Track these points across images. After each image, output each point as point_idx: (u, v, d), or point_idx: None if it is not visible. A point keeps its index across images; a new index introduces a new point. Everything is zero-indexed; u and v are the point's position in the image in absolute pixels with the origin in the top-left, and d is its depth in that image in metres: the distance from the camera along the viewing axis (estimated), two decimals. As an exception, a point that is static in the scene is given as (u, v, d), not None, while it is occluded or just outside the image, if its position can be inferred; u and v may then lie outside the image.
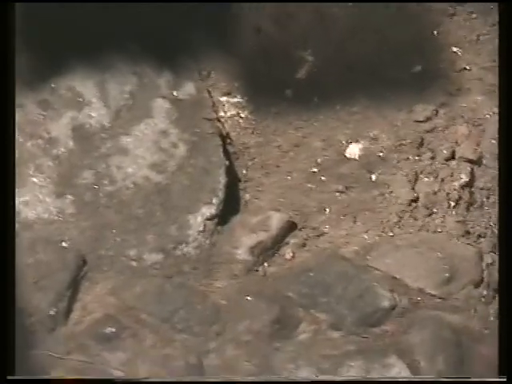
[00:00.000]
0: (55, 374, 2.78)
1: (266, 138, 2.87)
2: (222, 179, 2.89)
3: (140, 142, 2.94)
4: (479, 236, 2.94)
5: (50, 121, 3.02)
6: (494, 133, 3.20)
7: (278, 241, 2.89)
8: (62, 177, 3.01)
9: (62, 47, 3.07)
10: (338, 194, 2.86)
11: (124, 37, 3.01)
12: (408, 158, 2.90)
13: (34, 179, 2.94)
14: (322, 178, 2.90)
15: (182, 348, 2.77)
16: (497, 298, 2.99)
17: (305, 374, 2.89)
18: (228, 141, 2.91)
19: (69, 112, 2.97)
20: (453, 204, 2.91)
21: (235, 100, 2.85)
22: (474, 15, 3.30)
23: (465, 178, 2.97)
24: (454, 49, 3.07)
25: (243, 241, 2.92)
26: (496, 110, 3.27)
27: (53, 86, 3.07)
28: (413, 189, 2.90)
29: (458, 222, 2.91)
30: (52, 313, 2.80)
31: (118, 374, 2.85)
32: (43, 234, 2.87)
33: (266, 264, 2.87)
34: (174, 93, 2.95)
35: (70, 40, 3.05)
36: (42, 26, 3.21)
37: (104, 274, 2.89)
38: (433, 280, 2.84)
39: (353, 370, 2.78)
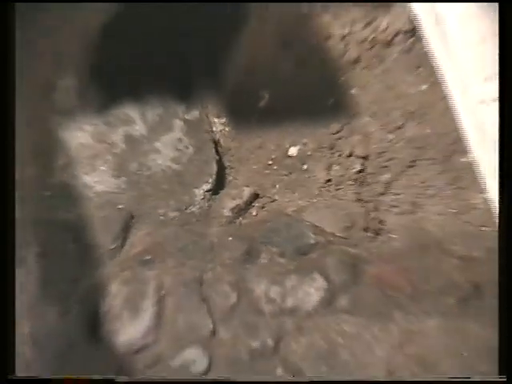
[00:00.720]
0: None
1: (240, 144, 3.50)
2: (215, 167, 3.53)
3: (165, 145, 3.54)
4: (366, 202, 3.40)
5: (111, 132, 3.54)
6: (377, 140, 3.45)
7: (248, 204, 3.49)
8: (118, 166, 3.55)
9: (117, 86, 3.51)
10: (283, 176, 3.46)
11: (157, 81, 3.49)
12: (325, 156, 3.41)
13: (102, 167, 3.50)
14: (275, 167, 3.50)
15: (190, 267, 3.34)
16: (378, 238, 3.42)
17: (264, 283, 3.29)
18: (218, 145, 3.54)
19: (123, 127, 3.51)
20: (351, 183, 3.41)
21: (222, 120, 3.46)
22: (365, 69, 3.55)
23: (358, 168, 3.40)
24: (353, 90, 3.46)
25: (227, 204, 3.48)
26: (378, 125, 3.48)
27: (113, 111, 3.55)
28: (328, 173, 3.43)
29: (355, 193, 3.38)
30: (112, 247, 3.37)
31: (152, 284, 3.32)
32: (108, 200, 3.44)
33: (240, 218, 3.49)
34: (186, 116, 3.54)
35: (123, 82, 3.48)
36: (106, 73, 3.47)
37: (144, 224, 3.46)
38: (339, 227, 3.42)
39: (292, 279, 3.25)
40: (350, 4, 3.65)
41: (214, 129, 3.45)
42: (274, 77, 3.48)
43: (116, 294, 3.23)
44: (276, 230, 3.34)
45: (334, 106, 3.45)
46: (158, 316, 3.19)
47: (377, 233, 3.34)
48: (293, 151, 3.41)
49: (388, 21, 3.48)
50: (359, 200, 3.36)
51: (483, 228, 3.17)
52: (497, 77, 2.38)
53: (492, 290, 3.07)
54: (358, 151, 3.40)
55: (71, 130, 3.40)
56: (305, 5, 3.73)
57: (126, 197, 3.38)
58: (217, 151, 3.44)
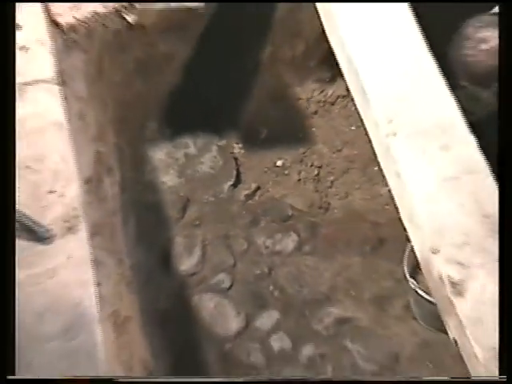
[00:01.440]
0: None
1: (249, 160, 3.53)
2: (234, 173, 3.55)
3: (207, 160, 3.59)
4: (320, 192, 3.52)
5: (177, 152, 3.61)
6: (326, 157, 3.57)
7: (253, 193, 3.53)
8: (180, 171, 3.58)
9: (180, 125, 3.59)
10: (274, 177, 3.52)
11: (202, 122, 3.58)
12: (297, 166, 3.51)
13: (171, 171, 3.52)
14: (269, 172, 3.54)
15: (221, 228, 3.45)
16: (327, 212, 3.50)
17: (262, 237, 3.44)
18: (237, 160, 3.56)
19: (183, 149, 3.58)
20: (311, 181, 3.53)
21: (239, 146, 3.52)
22: (319, 118, 3.70)
23: (316, 172, 3.54)
24: (313, 129, 3.63)
25: (241, 193, 3.53)
26: (327, 149, 3.60)
27: (178, 140, 3.63)
28: (299, 176, 3.54)
29: (314, 187, 3.50)
30: (177, 217, 3.44)
31: (199, 238, 3.42)
32: (174, 190, 3.48)
33: (249, 201, 3.53)
34: (218, 143, 3.60)
35: (184, 122, 3.57)
36: (174, 116, 3.58)
37: (195, 204, 3.49)
38: (305, 206, 3.54)
39: (279, 235, 3.43)
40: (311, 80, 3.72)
41: (235, 151, 3.52)
42: (268, 120, 3.61)
43: (179, 243, 3.41)
44: (269, 207, 3.50)
45: (302, 138, 3.61)
46: (203, 256, 3.38)
47: (326, 209, 3.49)
48: (279, 163, 3.51)
49: (333, 90, 3.69)
50: (316, 191, 3.47)
51: (386, 206, 3.35)
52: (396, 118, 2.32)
53: (390, 242, 3.33)
54: (316, 163, 3.55)
55: (154, 151, 3.52)
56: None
57: (184, 189, 3.45)
58: (236, 163, 3.51)
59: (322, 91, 3.67)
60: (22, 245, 2.10)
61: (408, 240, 2.31)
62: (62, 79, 2.46)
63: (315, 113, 3.65)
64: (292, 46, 3.49)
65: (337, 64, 2.58)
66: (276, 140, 3.56)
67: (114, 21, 2.75)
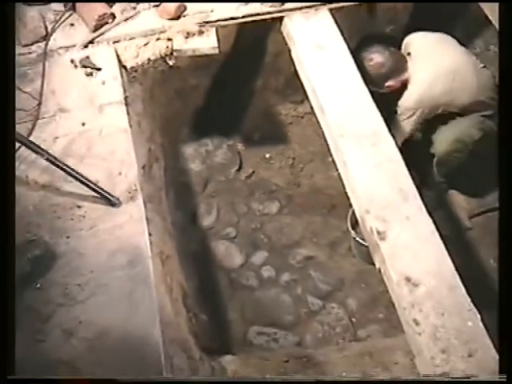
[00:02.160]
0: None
1: (248, 153, 3.41)
2: (238, 162, 3.44)
3: (220, 154, 3.47)
4: (294, 175, 3.40)
5: (200, 149, 3.49)
6: (298, 152, 3.45)
7: (250, 176, 3.43)
8: (202, 161, 3.46)
9: (201, 130, 3.49)
10: (263, 164, 3.41)
11: (217, 127, 3.47)
12: (279, 158, 3.43)
13: (197, 161, 3.42)
14: (260, 162, 3.44)
15: (229, 198, 3.36)
16: (299, 187, 3.36)
17: (256, 204, 3.30)
18: (240, 154, 3.44)
19: (204, 146, 3.47)
20: (288, 167, 3.42)
21: (241, 145, 3.41)
22: (295, 126, 3.57)
23: (291, 162, 3.42)
24: (289, 133, 3.54)
25: (243, 175, 3.44)
26: (298, 147, 3.48)
27: (200, 141, 3.50)
28: (280, 164, 3.43)
29: (290, 171, 3.40)
30: (200, 191, 3.35)
31: (215, 204, 3.30)
32: (198, 174, 3.40)
33: (248, 180, 3.42)
34: (228, 143, 3.47)
35: (204, 128, 3.46)
36: (197, 124, 3.47)
37: (212, 182, 3.40)
38: (284, 183, 3.41)
39: (266, 200, 3.32)
40: (288, 101, 3.61)
41: (238, 148, 3.44)
42: (260, 128, 3.55)
43: (202, 208, 3.34)
44: (261, 185, 3.40)
45: (282, 140, 3.55)
46: (217, 216, 3.32)
47: (298, 186, 3.41)
48: (267, 156, 3.42)
49: (303, 108, 3.59)
50: (292, 174, 3.39)
51: (336, 185, 3.05)
52: (343, 125, 2.33)
53: (339, 207, 3.23)
54: (291, 156, 3.47)
55: (186, 148, 3.46)
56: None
57: (205, 172, 3.38)
58: (239, 156, 3.44)
59: (295, 109, 3.60)
60: (101, 208, 2.18)
61: (350, 206, 2.36)
62: (127, 101, 2.51)
63: (291, 123, 3.61)
64: (276, 79, 3.44)
65: (304, 91, 2.62)
66: (265, 141, 3.51)
67: (161, 64, 2.74)
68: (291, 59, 2.70)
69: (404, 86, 2.74)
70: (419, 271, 1.94)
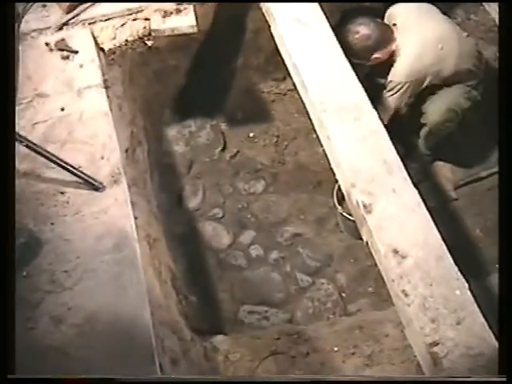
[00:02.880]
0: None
1: (231, 133, 3.37)
2: (222, 142, 3.40)
3: (203, 135, 3.41)
4: (279, 152, 3.39)
5: (184, 130, 3.43)
6: (282, 130, 3.41)
7: (235, 155, 3.39)
8: (186, 143, 3.41)
9: (184, 111, 3.43)
10: (247, 143, 3.37)
11: (200, 108, 3.42)
12: (262, 136, 3.39)
13: (180, 143, 3.39)
14: (244, 141, 3.39)
15: (214, 178, 3.32)
16: (284, 165, 3.33)
17: (241, 183, 3.27)
18: (224, 134, 3.40)
19: (187, 128, 3.43)
20: (273, 145, 3.38)
21: (224, 124, 3.36)
22: (277, 103, 3.53)
23: (275, 140, 3.40)
24: (273, 111, 3.49)
25: (227, 155, 3.40)
26: (281, 124, 3.45)
27: (184, 122, 3.45)
28: (264, 142, 3.40)
29: (274, 149, 3.37)
30: (185, 172, 3.30)
31: (201, 185, 3.26)
32: (183, 155, 3.36)
33: (232, 160, 3.38)
34: (211, 123, 3.42)
35: (187, 109, 3.41)
36: (180, 105, 3.40)
37: (197, 164, 3.35)
38: (269, 161, 3.38)
39: (253, 181, 3.29)
40: (270, 79, 3.58)
41: (222, 128, 3.40)
42: (242, 107, 3.51)
43: (188, 189, 3.31)
44: (246, 164, 3.38)
45: (266, 118, 3.51)
46: (203, 197, 3.29)
47: (283, 163, 3.39)
48: (251, 135, 3.39)
49: (284, 85, 3.58)
50: (276, 152, 3.36)
51: (321, 161, 3.23)
52: (325, 100, 2.32)
53: (325, 183, 3.24)
54: (275, 134, 3.43)
55: (169, 130, 3.41)
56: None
57: (189, 154, 3.35)
58: (223, 136, 3.41)
59: (277, 86, 3.57)
60: (85, 193, 2.17)
61: (336, 181, 2.36)
62: (106, 84, 2.50)
63: (273, 101, 3.56)
64: (256, 57, 3.41)
65: (286, 68, 2.60)
66: (248, 120, 3.47)
67: (139, 45, 2.72)
68: (271, 36, 2.68)
69: (391, 57, 2.73)
70: (406, 243, 1.95)
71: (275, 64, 3.32)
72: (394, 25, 2.74)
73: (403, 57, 2.68)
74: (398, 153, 2.20)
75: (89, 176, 2.14)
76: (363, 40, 2.67)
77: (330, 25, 2.54)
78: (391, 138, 2.24)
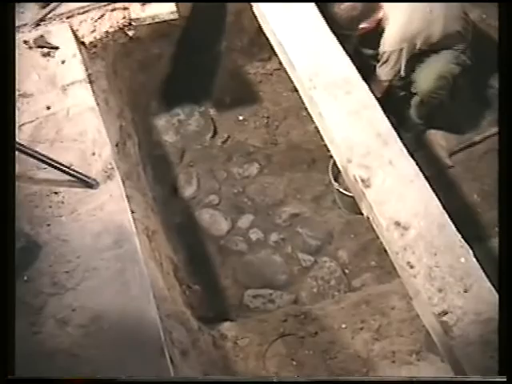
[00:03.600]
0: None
1: (221, 117, 3.31)
2: (212, 128, 3.34)
3: (193, 121, 3.35)
4: (270, 134, 3.35)
5: (172, 119, 3.37)
6: (271, 110, 3.36)
7: (226, 140, 3.34)
8: (176, 131, 3.35)
9: (172, 100, 3.38)
10: (238, 127, 3.31)
11: (188, 96, 3.35)
12: (253, 118, 3.33)
13: (170, 132, 3.33)
14: (234, 124, 3.34)
15: (207, 163, 3.27)
16: (276, 146, 3.29)
17: (235, 167, 3.22)
18: (213, 119, 3.34)
19: (176, 116, 3.36)
20: (264, 127, 3.33)
21: (213, 110, 3.31)
22: (264, 84, 3.48)
23: (265, 121, 3.35)
24: (261, 93, 3.44)
25: (218, 141, 3.34)
26: (270, 104, 3.40)
27: (172, 111, 3.39)
28: (254, 124, 3.34)
29: (265, 130, 3.31)
30: (177, 162, 3.25)
31: (195, 173, 3.22)
32: (173, 145, 3.30)
33: (224, 145, 3.33)
34: (199, 110, 3.37)
35: (174, 98, 3.35)
36: (167, 94, 3.35)
37: (189, 152, 3.30)
38: (260, 143, 3.30)
39: (246, 165, 3.24)
40: (255, 60, 3.52)
41: (211, 113, 3.35)
42: (230, 91, 3.45)
43: (181, 178, 3.27)
44: (238, 148, 3.33)
45: (254, 99, 3.46)
46: (198, 185, 3.24)
47: (275, 144, 3.35)
48: (241, 118, 3.35)
49: (271, 65, 3.52)
50: (267, 133, 3.32)
51: (314, 138, 3.19)
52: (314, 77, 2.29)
53: (319, 161, 3.21)
54: (265, 115, 3.39)
55: (157, 120, 3.36)
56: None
57: (180, 142, 3.30)
58: (212, 122, 3.35)
59: (263, 67, 3.51)
60: (79, 191, 2.13)
61: (330, 157, 2.34)
62: (91, 79, 2.46)
63: (260, 82, 3.51)
64: (240, 39, 3.36)
65: (271, 47, 2.55)
66: (237, 103, 3.42)
67: (120, 36, 2.67)
68: (254, 15, 2.65)
69: (379, 25, 2.68)
70: (407, 214, 1.95)
71: (260, 44, 3.28)
72: None
73: (392, 23, 2.62)
74: (392, 124, 2.19)
75: (81, 173, 2.11)
76: (349, 10, 2.61)
77: (313, -1, 2.50)
78: (383, 109, 2.23)
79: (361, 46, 2.93)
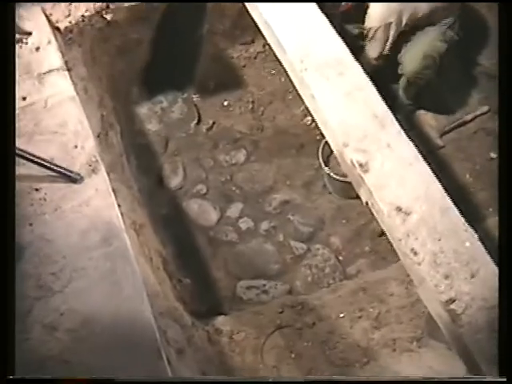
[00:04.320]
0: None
1: (204, 104, 3.22)
2: (196, 115, 3.25)
3: (176, 109, 3.27)
4: (256, 119, 3.27)
5: (155, 107, 3.27)
6: (256, 95, 3.28)
7: (211, 126, 3.25)
8: (159, 119, 3.26)
9: (154, 87, 3.27)
10: (223, 113, 3.23)
11: (169, 83, 3.27)
12: (237, 104, 3.25)
13: (153, 120, 3.23)
14: (219, 111, 3.26)
15: (193, 151, 3.17)
16: (263, 131, 3.21)
17: (222, 155, 3.15)
18: (197, 106, 3.25)
19: (159, 104, 3.27)
20: (249, 112, 3.26)
21: (197, 96, 3.23)
22: (248, 68, 3.39)
23: (251, 106, 3.26)
24: (245, 77, 3.34)
25: (203, 127, 3.25)
26: (255, 89, 3.31)
27: (154, 99, 3.30)
28: (240, 109, 3.25)
29: (251, 116, 3.24)
30: (162, 151, 3.15)
31: (180, 163, 3.14)
32: (157, 133, 3.21)
33: (209, 132, 3.25)
34: (182, 96, 3.28)
35: (157, 85, 3.26)
36: (148, 82, 3.24)
37: (173, 140, 3.21)
38: (247, 129, 3.22)
39: (233, 152, 3.17)
40: (238, 43, 3.43)
41: (194, 100, 3.28)
42: (213, 76, 3.36)
43: (167, 168, 3.18)
44: (224, 134, 3.24)
45: (238, 84, 3.36)
46: (184, 174, 3.16)
47: (261, 130, 3.27)
48: (225, 103, 3.26)
49: (254, 48, 3.42)
50: (253, 118, 3.24)
51: (301, 122, 3.20)
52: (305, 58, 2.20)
53: (307, 145, 3.14)
54: (250, 100, 3.30)
55: (139, 108, 3.26)
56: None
57: (164, 131, 3.21)
58: (196, 109, 3.27)
59: (246, 50, 3.40)
60: (62, 187, 2.02)
61: (319, 141, 2.24)
62: (68, 66, 2.33)
63: (244, 66, 3.41)
64: (221, 22, 3.25)
65: (258, 29, 2.42)
66: (221, 88, 3.32)
67: (97, 20, 2.55)
68: (238, -3, 2.49)
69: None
70: (409, 199, 1.87)
71: (242, 27, 3.20)
72: None
73: None
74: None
75: (64, 168, 2.00)
76: None
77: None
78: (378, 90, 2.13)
79: (345, 23, 2.86)
